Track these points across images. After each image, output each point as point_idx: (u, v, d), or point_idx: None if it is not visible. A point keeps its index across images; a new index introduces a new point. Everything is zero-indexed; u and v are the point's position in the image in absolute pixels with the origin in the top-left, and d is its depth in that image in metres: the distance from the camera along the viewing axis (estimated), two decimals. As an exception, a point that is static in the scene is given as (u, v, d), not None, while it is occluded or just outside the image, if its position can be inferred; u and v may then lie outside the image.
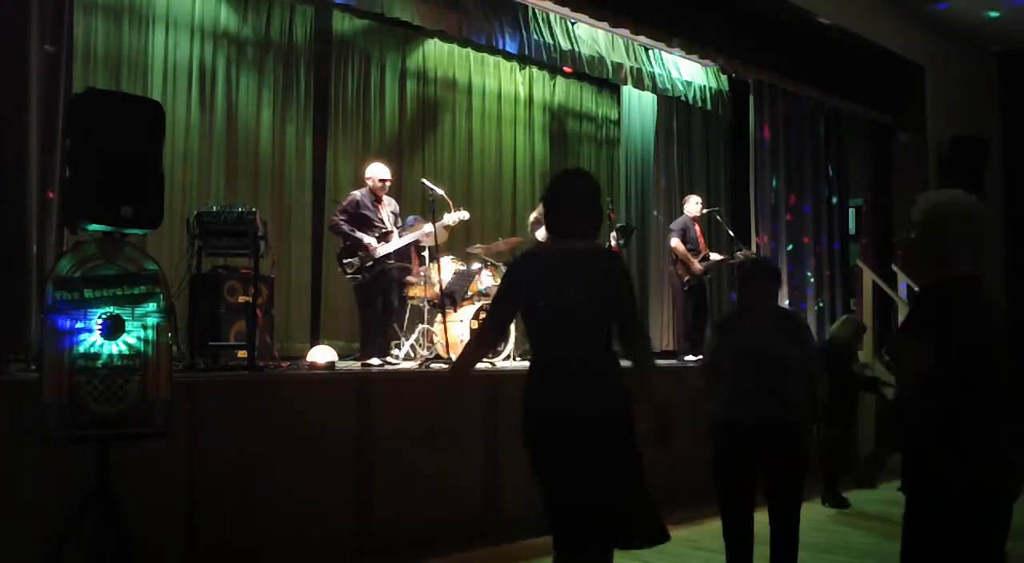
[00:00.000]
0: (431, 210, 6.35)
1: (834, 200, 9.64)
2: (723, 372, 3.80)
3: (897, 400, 2.69)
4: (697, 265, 7.94)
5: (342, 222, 6.24)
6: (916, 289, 7.21)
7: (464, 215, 6.66)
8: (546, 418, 2.85)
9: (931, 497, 2.51)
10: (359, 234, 6.19)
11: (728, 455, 3.77)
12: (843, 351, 6.59)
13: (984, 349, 2.50)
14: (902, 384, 2.72)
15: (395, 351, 6.64)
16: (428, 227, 6.37)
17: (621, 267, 3.06)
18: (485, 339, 3.16)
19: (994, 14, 9.47)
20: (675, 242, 8.02)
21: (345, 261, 6.26)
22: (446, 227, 6.49)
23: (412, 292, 6.90)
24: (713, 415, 3.80)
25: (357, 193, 6.39)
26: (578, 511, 2.76)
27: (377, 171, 6.41)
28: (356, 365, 6.12)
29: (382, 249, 6.22)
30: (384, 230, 6.30)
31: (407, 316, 7.01)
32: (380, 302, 6.23)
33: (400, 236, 6.37)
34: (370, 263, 6.18)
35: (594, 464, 2.78)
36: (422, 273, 6.82)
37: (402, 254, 6.47)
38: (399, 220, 6.47)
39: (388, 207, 6.42)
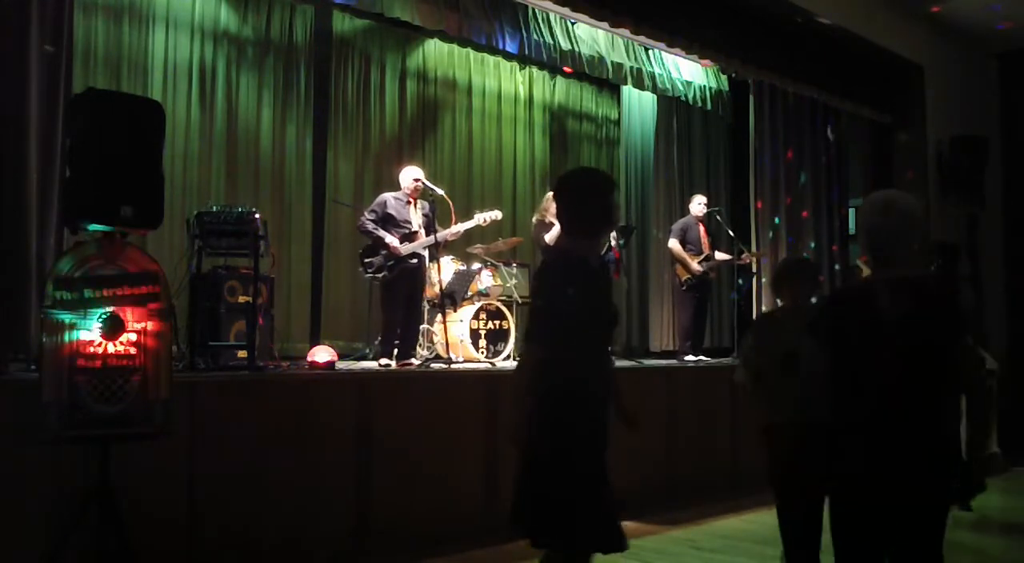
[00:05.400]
0: (431, 210, 6.37)
1: (834, 200, 9.65)
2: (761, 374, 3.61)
3: None
4: (695, 265, 7.94)
5: (368, 221, 6.24)
6: None
7: (497, 215, 6.76)
8: None
9: None
10: (382, 233, 6.18)
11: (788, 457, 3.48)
12: None
13: None
14: None
15: (423, 352, 6.63)
16: (458, 227, 6.43)
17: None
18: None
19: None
20: (672, 243, 8.07)
21: (367, 260, 6.26)
22: (478, 226, 6.69)
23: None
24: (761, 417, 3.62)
25: (388, 195, 6.38)
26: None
27: (407, 174, 6.38)
28: (356, 365, 6.12)
29: (405, 248, 6.20)
30: (410, 230, 6.27)
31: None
32: (404, 301, 6.21)
33: (427, 236, 6.31)
34: (391, 262, 6.17)
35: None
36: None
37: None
38: (433, 221, 6.39)
39: (421, 210, 6.38)
